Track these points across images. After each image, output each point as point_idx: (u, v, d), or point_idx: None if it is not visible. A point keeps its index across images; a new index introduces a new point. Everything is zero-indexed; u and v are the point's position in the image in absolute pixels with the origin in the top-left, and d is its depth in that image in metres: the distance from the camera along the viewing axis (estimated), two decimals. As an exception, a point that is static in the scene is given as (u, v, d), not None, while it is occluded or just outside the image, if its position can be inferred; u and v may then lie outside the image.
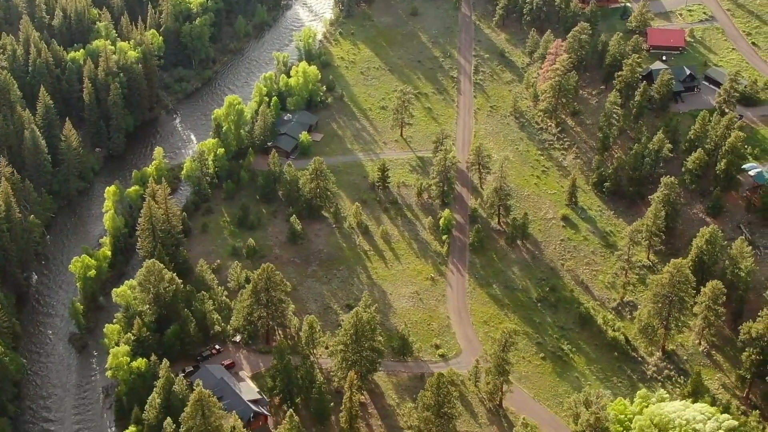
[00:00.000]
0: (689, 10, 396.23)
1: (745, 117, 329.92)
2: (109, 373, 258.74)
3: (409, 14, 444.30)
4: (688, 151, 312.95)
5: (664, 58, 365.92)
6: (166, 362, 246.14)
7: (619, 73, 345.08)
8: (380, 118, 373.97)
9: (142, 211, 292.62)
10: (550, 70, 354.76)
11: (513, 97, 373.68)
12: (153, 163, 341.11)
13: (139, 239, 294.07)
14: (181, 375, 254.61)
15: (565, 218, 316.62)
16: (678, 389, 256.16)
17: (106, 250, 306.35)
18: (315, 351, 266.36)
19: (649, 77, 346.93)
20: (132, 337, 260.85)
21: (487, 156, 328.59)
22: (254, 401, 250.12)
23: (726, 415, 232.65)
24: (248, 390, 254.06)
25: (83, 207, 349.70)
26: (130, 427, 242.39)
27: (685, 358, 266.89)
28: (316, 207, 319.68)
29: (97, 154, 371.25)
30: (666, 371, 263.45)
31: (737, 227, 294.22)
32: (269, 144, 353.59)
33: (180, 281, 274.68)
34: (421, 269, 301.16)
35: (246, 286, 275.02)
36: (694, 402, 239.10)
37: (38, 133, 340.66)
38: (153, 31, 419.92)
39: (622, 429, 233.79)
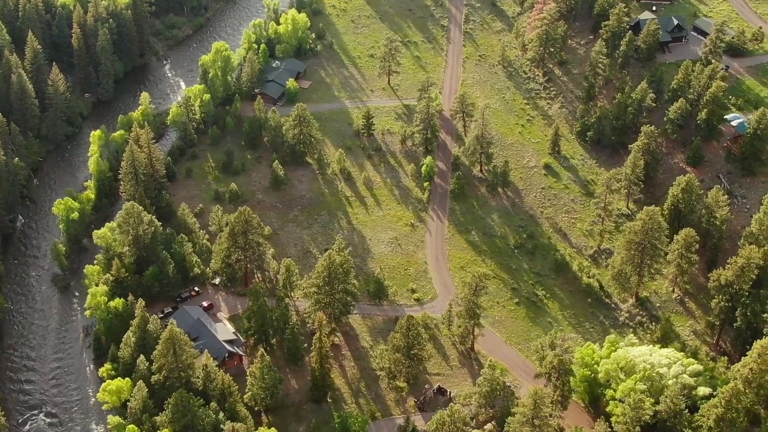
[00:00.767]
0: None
1: (732, 68, 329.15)
2: (87, 313, 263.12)
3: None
4: (671, 101, 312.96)
5: (654, 8, 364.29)
6: (141, 302, 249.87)
7: (606, 23, 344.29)
8: (369, 66, 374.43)
9: (124, 154, 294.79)
10: (537, 19, 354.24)
11: (502, 46, 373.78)
12: (139, 108, 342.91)
13: (122, 183, 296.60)
14: (159, 315, 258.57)
15: (547, 167, 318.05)
16: (649, 335, 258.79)
17: (90, 193, 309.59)
18: (292, 294, 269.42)
19: (637, 27, 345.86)
20: (111, 278, 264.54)
21: (470, 104, 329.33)
22: (230, 341, 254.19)
23: (691, 360, 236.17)
24: (224, 331, 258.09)
25: (71, 151, 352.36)
26: (106, 365, 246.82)
27: (658, 305, 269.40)
28: (299, 153, 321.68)
29: (86, 100, 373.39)
30: (638, 318, 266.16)
31: (716, 177, 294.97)
32: (256, 91, 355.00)
33: (160, 224, 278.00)
34: (402, 215, 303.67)
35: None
36: (662, 347, 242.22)
37: (26, 77, 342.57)
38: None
39: (589, 372, 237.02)
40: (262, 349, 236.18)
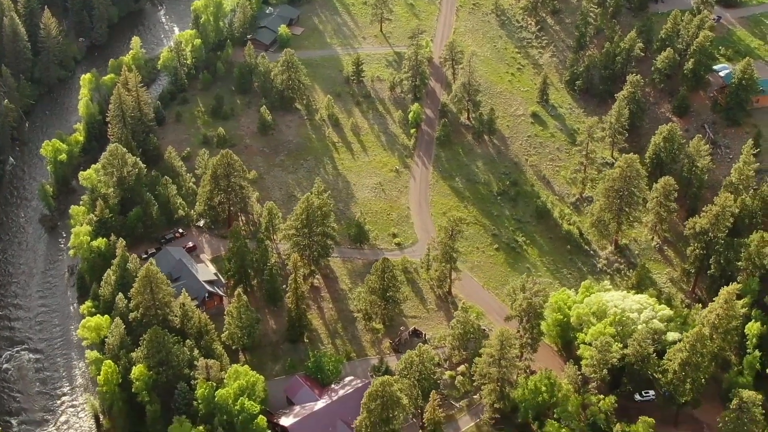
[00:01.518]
0: None
1: (724, 18, 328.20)
2: (71, 252, 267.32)
3: None
4: (659, 50, 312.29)
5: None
6: (122, 241, 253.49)
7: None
8: (362, 13, 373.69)
9: (112, 97, 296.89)
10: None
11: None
12: (130, 53, 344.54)
13: (109, 126, 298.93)
14: (143, 255, 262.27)
15: (534, 115, 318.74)
16: (625, 282, 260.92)
17: (79, 136, 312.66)
18: (275, 237, 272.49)
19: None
20: (95, 218, 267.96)
21: (459, 52, 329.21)
22: (210, 282, 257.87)
23: (663, 306, 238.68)
24: (205, 272, 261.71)
25: (64, 95, 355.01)
26: (86, 302, 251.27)
27: (637, 252, 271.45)
28: (288, 99, 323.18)
29: (80, 44, 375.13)
30: (616, 264, 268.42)
31: (702, 127, 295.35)
32: (248, 37, 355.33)
33: (144, 166, 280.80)
34: (387, 161, 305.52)
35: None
36: (636, 294, 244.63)
37: (18, 20, 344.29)
38: None
39: (561, 317, 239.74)
40: (239, 290, 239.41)
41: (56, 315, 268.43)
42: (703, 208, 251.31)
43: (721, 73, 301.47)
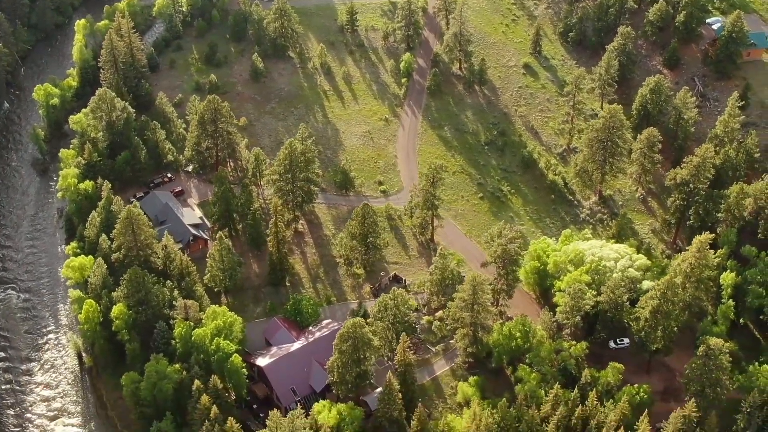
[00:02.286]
0: None
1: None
2: (59, 194, 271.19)
3: None
4: (652, 2, 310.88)
5: None
6: (107, 184, 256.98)
7: None
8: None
9: (104, 43, 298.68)
10: None
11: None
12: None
13: (102, 71, 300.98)
14: (131, 199, 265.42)
15: (526, 66, 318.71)
16: (607, 232, 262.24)
17: (72, 81, 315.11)
18: (261, 182, 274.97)
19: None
20: (83, 161, 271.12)
21: (453, 1, 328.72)
22: (196, 226, 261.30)
23: (640, 255, 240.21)
24: (191, 215, 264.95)
25: (61, 41, 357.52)
26: (71, 243, 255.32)
27: (620, 203, 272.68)
28: (280, 47, 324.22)
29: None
30: (599, 215, 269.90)
31: (691, 80, 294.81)
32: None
33: (135, 111, 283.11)
34: (377, 110, 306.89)
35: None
36: (616, 243, 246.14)
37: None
38: None
39: (539, 264, 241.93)
40: (221, 233, 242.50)
41: (44, 256, 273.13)
42: (684, 159, 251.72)
43: (714, 26, 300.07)
